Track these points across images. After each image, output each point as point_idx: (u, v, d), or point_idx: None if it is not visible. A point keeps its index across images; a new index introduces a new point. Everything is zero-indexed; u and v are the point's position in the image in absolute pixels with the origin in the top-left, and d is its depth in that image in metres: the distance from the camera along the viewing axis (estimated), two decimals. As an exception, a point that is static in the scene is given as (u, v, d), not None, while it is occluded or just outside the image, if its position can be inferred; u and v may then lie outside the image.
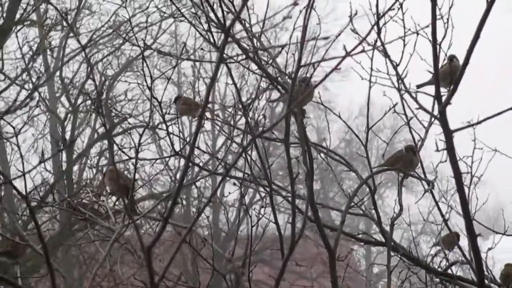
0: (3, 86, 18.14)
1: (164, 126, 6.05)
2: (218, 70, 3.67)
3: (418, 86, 6.04)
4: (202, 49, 5.48)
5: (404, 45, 5.93)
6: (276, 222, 4.82)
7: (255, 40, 4.98)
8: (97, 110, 4.33)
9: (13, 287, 4.49)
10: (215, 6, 4.91)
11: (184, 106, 6.45)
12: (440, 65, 5.62)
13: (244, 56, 4.85)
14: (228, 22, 4.67)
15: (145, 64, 5.25)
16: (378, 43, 5.56)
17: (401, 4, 5.64)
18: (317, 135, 32.79)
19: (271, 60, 5.00)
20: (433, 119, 6.14)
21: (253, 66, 5.16)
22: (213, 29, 5.05)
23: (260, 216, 5.25)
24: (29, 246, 5.18)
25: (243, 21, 5.00)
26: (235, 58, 4.97)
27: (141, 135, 4.53)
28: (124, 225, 4.81)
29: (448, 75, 5.24)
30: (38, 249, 4.37)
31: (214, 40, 5.09)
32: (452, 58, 5.87)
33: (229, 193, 6.52)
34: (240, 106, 5.00)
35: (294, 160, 4.51)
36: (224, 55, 4.58)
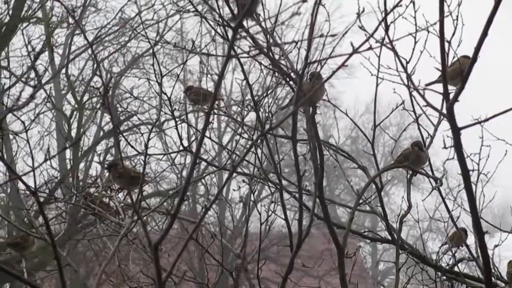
0: (9, 83, 18.20)
1: (171, 123, 6.08)
2: (227, 65, 3.68)
3: (427, 85, 6.05)
4: (214, 40, 5.49)
5: (415, 43, 5.93)
6: (286, 219, 4.82)
7: (265, 36, 4.98)
8: (104, 107, 4.35)
9: (21, 282, 4.52)
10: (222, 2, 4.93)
11: (196, 96, 6.47)
12: (450, 63, 5.64)
13: (254, 51, 4.85)
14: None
15: (154, 60, 5.28)
16: (386, 40, 5.56)
17: (412, 1, 5.65)
18: (323, 132, 32.80)
19: (282, 57, 5.00)
20: (441, 116, 6.15)
21: (263, 62, 5.17)
22: (224, 24, 5.06)
23: (270, 212, 5.26)
24: (43, 239, 5.19)
25: (255, 16, 5.01)
26: (246, 53, 4.97)
27: (150, 131, 4.56)
28: (132, 221, 4.82)
29: (459, 74, 5.24)
30: (49, 240, 4.38)
31: (227, 34, 5.10)
32: (465, 58, 5.87)
33: (239, 187, 6.52)
34: (252, 102, 5.01)
35: (301, 157, 4.52)
36: (234, 49, 4.59)
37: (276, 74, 5.19)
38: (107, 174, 6.39)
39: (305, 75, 4.01)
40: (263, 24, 4.96)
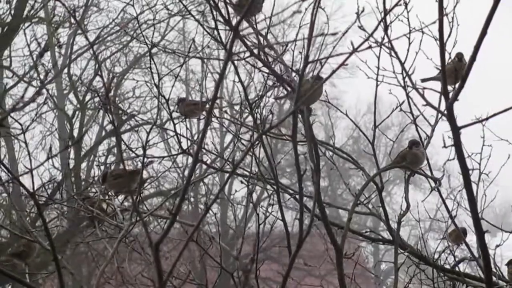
0: (11, 83, 18.20)
1: (171, 124, 6.05)
2: (226, 68, 3.67)
3: (423, 80, 6.05)
4: (209, 47, 5.48)
5: (410, 43, 5.93)
6: (283, 220, 4.82)
7: (261, 38, 4.98)
8: (104, 107, 4.34)
9: (22, 285, 4.51)
10: (222, 4, 4.91)
11: (188, 108, 6.43)
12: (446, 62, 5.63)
13: (248, 54, 4.85)
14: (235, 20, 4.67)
15: (152, 62, 5.26)
16: (385, 41, 5.56)
17: (406, 3, 5.65)
18: (325, 133, 32.78)
19: (277, 58, 4.99)
20: (440, 115, 6.14)
21: (260, 64, 5.15)
22: (220, 27, 5.05)
23: (268, 213, 5.25)
24: (38, 242, 5.18)
25: (250, 19, 5.00)
26: (242, 55, 4.96)
27: (148, 133, 4.54)
28: (131, 223, 4.81)
29: (453, 73, 5.24)
30: (47, 245, 4.38)
31: (221, 38, 5.08)
32: (460, 57, 5.87)
33: (236, 190, 6.51)
34: (247, 104, 4.99)
35: (302, 157, 4.51)
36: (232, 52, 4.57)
37: (270, 76, 5.18)
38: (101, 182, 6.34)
39: (304, 75, 4.00)
40: (260, 25, 4.96)
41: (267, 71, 5.04)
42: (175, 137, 6.06)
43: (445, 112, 4.32)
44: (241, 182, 5.65)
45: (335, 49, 3.86)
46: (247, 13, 4.88)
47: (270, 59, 4.95)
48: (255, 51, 4.81)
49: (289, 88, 5.08)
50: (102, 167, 19.48)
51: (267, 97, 5.28)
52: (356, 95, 43.65)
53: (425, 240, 7.03)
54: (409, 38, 5.86)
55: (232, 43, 3.52)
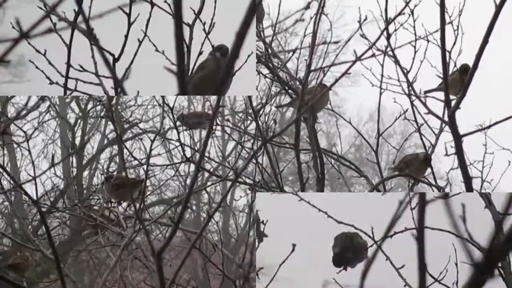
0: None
1: (175, 132, 6.04)
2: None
3: (427, 92, 6.04)
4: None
5: (415, 52, 5.92)
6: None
7: (266, 45, 4.98)
8: (107, 115, 4.34)
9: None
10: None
11: (195, 119, 6.42)
12: (450, 72, 5.63)
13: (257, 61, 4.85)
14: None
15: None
16: (389, 49, 5.56)
17: (412, 11, 5.65)
18: (327, 140, 32.76)
19: (281, 65, 5.00)
20: (443, 124, 6.14)
21: (264, 71, 5.15)
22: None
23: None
24: (39, 251, 5.18)
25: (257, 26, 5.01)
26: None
27: (152, 141, 4.54)
28: (134, 231, 4.81)
29: (458, 83, 5.23)
30: (48, 254, 4.37)
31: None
32: (465, 68, 5.86)
33: (241, 196, 6.50)
34: (251, 111, 4.99)
35: (304, 165, 4.51)
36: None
37: (275, 83, 5.17)
38: (103, 187, 6.32)
39: (307, 83, 4.01)
40: (265, 31, 4.96)
41: (272, 77, 5.04)
42: (178, 145, 6.04)
43: (447, 120, 4.33)
44: (248, 189, 5.64)
45: (337, 57, 3.87)
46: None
47: (274, 66, 4.95)
48: (260, 57, 4.82)
49: (294, 95, 5.08)
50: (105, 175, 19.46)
51: (270, 105, 5.28)
52: (358, 103, 43.63)
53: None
54: (414, 47, 5.86)
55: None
